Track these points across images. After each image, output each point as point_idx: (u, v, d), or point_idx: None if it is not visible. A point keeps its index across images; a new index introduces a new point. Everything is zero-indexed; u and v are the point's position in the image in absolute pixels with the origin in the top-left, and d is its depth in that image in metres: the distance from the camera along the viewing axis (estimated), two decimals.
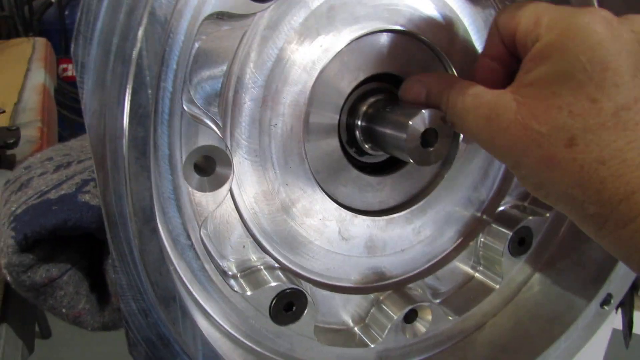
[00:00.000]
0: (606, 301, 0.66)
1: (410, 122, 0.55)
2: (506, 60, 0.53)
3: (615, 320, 1.17)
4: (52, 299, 0.62)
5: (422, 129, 0.55)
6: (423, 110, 0.55)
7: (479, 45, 0.64)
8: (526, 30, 0.48)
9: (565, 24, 0.44)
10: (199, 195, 0.48)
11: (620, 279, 0.66)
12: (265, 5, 0.48)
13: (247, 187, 0.56)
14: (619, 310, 1.16)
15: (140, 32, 0.34)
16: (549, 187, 0.47)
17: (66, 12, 2.40)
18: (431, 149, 0.55)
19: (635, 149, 0.41)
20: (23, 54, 1.82)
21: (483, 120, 0.49)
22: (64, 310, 0.63)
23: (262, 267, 0.59)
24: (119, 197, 0.37)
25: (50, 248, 0.63)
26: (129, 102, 0.35)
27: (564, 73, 0.43)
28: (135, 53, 0.35)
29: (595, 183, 0.42)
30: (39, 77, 1.56)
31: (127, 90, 0.35)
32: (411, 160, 0.56)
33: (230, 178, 0.49)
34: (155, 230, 0.39)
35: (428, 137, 0.55)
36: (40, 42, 1.90)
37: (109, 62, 0.35)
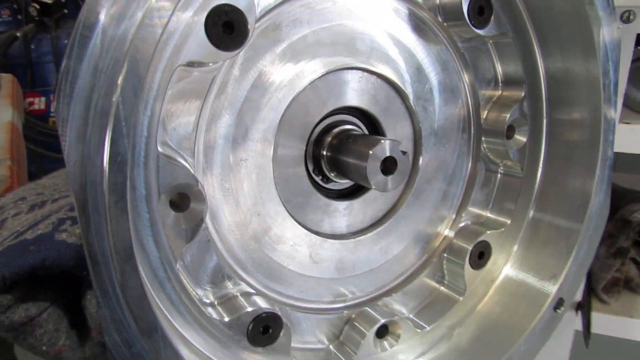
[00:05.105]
0: (559, 305, 0.72)
1: (370, 152, 0.59)
2: None
3: (577, 322, 1.24)
4: (31, 337, 0.63)
5: (382, 158, 0.59)
6: (382, 141, 0.60)
7: (433, 77, 0.70)
8: None
9: None
10: (175, 230, 0.51)
11: (569, 285, 0.72)
12: (233, 53, 0.52)
13: (220, 219, 0.59)
14: (579, 313, 1.23)
15: (118, 89, 0.38)
16: None
17: (32, 46, 2.39)
18: (391, 176, 0.60)
19: None
20: None
21: None
22: (44, 348, 0.64)
23: (238, 294, 0.61)
24: (101, 238, 0.40)
25: (29, 287, 0.64)
26: (108, 151, 0.38)
27: None
28: (114, 107, 0.38)
29: None
30: (6, 115, 1.55)
31: (107, 141, 0.38)
32: (373, 187, 0.60)
33: (205, 212, 0.52)
34: (135, 267, 0.42)
35: (388, 165, 0.60)
36: (6, 78, 1.88)
37: (89, 117, 0.38)
